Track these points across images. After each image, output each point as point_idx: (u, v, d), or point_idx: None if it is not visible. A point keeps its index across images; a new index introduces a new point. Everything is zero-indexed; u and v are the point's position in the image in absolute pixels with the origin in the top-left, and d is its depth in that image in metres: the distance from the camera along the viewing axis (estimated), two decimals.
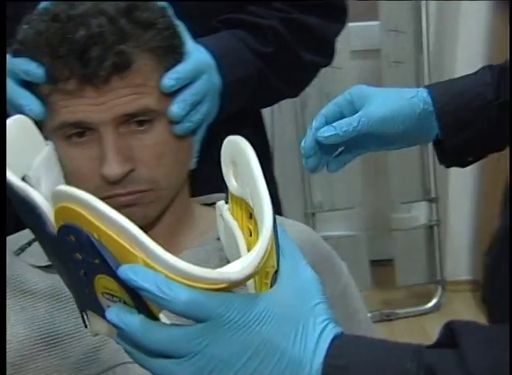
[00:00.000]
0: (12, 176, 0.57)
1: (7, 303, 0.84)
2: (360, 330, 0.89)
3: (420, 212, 2.53)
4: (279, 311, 0.55)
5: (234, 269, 0.53)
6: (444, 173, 2.37)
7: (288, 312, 0.55)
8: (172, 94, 0.84)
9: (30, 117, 0.80)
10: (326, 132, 0.79)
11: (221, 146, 0.75)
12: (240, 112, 1.05)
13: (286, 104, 2.34)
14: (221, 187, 0.73)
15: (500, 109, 0.83)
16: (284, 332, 0.54)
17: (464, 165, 0.89)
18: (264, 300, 0.55)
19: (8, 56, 0.85)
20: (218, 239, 0.82)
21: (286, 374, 0.53)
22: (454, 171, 2.19)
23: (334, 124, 0.80)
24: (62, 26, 0.79)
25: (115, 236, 0.50)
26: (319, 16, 1.08)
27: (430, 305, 2.46)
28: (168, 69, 0.83)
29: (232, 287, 0.53)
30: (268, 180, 0.64)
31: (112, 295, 0.53)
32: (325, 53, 1.12)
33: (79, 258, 0.52)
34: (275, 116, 2.41)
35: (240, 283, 0.53)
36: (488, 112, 0.84)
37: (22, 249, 0.90)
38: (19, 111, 0.83)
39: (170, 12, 0.87)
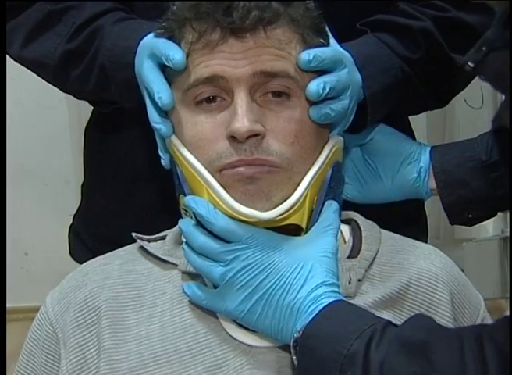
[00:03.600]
0: None
1: (120, 314, 0.82)
2: None
3: (487, 222, 2.42)
4: (291, 249, 0.78)
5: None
6: None
7: (297, 253, 0.77)
8: (311, 74, 0.81)
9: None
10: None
11: None
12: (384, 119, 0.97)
13: None
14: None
15: (493, 169, 0.91)
16: (289, 262, 0.76)
17: (466, 222, 0.97)
18: (283, 239, 0.79)
19: (151, 36, 0.85)
20: (349, 257, 0.86)
21: (279, 292, 0.75)
22: None
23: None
24: None
25: (192, 171, 0.80)
26: (480, 11, 0.95)
27: None
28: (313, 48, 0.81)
29: (261, 223, 0.78)
30: None
31: (185, 210, 0.82)
32: None
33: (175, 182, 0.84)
34: None
35: (266, 222, 0.77)
36: (482, 172, 0.92)
37: (155, 239, 0.90)
38: (149, 94, 0.83)
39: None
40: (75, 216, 1.18)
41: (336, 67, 0.83)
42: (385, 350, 0.67)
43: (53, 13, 0.98)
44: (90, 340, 0.82)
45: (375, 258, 0.86)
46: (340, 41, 0.89)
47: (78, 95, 1.04)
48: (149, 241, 0.90)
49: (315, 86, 0.80)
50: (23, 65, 1.03)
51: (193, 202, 0.79)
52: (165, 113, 0.83)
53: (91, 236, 1.11)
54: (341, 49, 0.85)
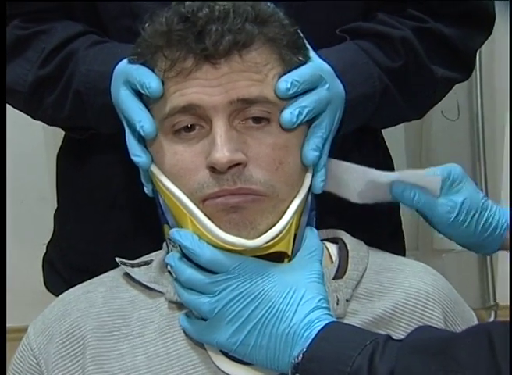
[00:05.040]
0: None
1: (105, 344, 0.81)
2: None
3: None
4: (280, 276, 0.76)
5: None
6: (496, 190, 2.28)
7: (286, 279, 0.76)
8: (289, 100, 0.78)
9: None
10: (398, 187, 0.87)
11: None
12: (357, 130, 0.96)
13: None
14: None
15: None
16: (279, 290, 0.75)
17: None
18: (271, 266, 0.77)
19: (125, 61, 0.82)
20: (335, 279, 0.85)
21: (272, 321, 0.74)
22: (506, 188, 2.11)
23: (411, 189, 0.87)
24: (184, 12, 0.77)
25: (175, 201, 0.78)
26: (459, 25, 0.95)
27: None
28: (290, 69, 0.79)
29: (248, 251, 0.76)
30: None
31: (170, 240, 0.81)
32: (463, 68, 1.00)
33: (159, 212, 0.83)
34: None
35: (253, 249, 0.76)
36: None
37: (138, 265, 0.88)
38: (130, 124, 0.80)
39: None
40: (48, 244, 1.15)
41: (317, 85, 0.80)
42: (393, 358, 0.67)
43: (22, 39, 0.96)
44: (76, 372, 0.80)
45: (362, 277, 0.85)
46: (319, 46, 0.87)
47: (51, 122, 1.01)
48: (132, 266, 0.88)
49: (288, 115, 0.78)
50: None
51: (177, 235, 0.78)
52: (143, 142, 0.81)
53: (66, 265, 1.10)
54: (320, 62, 0.83)
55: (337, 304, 0.81)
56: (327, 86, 0.81)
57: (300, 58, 0.80)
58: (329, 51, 0.90)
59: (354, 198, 0.89)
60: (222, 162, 0.74)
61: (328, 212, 0.89)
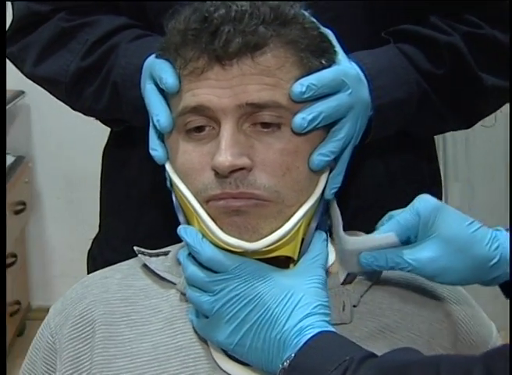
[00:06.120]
0: None
1: (115, 329, 0.82)
2: None
3: None
4: (278, 280, 0.76)
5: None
6: None
7: (284, 284, 0.75)
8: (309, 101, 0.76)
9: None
10: (367, 259, 0.80)
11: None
12: (396, 137, 0.93)
13: None
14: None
15: None
16: (275, 294, 0.75)
17: None
18: (270, 270, 0.77)
19: (153, 56, 0.83)
20: (344, 284, 0.83)
21: (266, 325, 0.74)
22: None
23: (380, 254, 0.79)
24: (202, 11, 0.76)
25: (185, 201, 0.79)
26: None
27: None
28: (309, 73, 0.77)
29: (249, 254, 0.76)
30: None
31: None
32: None
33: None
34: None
35: (253, 252, 0.76)
36: None
37: (157, 255, 0.89)
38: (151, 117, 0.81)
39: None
40: (94, 240, 1.16)
41: (339, 89, 0.78)
42: None
43: (67, 30, 0.97)
44: (85, 353, 0.81)
45: (372, 284, 0.84)
46: (360, 47, 0.86)
47: (89, 113, 1.02)
48: (150, 255, 0.89)
49: (300, 120, 0.75)
50: (35, 82, 1.03)
51: (183, 231, 0.79)
52: (163, 137, 0.82)
53: (103, 261, 1.10)
54: (345, 67, 0.80)
55: (343, 309, 0.81)
56: (349, 91, 0.78)
57: (323, 62, 0.78)
58: (366, 54, 0.88)
59: (345, 268, 0.84)
60: (223, 166, 0.73)
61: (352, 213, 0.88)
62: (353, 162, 0.93)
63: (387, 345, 0.78)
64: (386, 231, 0.79)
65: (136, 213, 1.06)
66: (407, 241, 0.80)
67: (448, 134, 2.36)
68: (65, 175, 2.73)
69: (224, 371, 0.78)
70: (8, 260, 2.48)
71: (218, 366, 0.78)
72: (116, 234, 1.09)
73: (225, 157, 0.73)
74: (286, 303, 0.74)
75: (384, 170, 1.01)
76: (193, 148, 0.77)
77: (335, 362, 0.68)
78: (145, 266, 0.87)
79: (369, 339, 0.79)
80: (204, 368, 0.78)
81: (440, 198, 1.10)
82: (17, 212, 2.51)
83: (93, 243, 1.15)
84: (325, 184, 0.81)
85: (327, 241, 0.83)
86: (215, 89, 0.74)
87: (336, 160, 0.81)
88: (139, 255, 0.88)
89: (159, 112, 0.79)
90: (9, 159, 2.62)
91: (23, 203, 2.56)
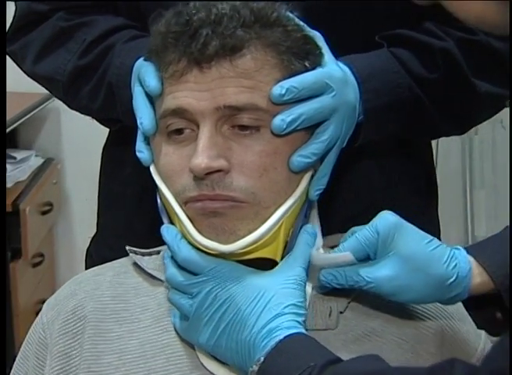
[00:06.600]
0: None
1: (105, 326, 0.83)
2: None
3: None
4: (252, 281, 0.76)
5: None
6: None
7: (257, 285, 0.75)
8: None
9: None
10: (326, 277, 0.79)
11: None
12: (389, 140, 0.93)
13: None
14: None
15: None
16: (247, 295, 0.75)
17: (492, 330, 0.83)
18: (247, 272, 0.77)
19: (141, 59, 0.84)
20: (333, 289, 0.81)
21: (237, 327, 0.74)
22: None
23: (339, 272, 0.78)
24: (183, 13, 0.77)
25: (169, 201, 0.79)
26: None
27: None
28: (291, 75, 0.77)
29: (228, 256, 0.76)
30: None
31: None
32: None
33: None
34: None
35: (228, 254, 0.76)
36: None
37: (142, 254, 0.90)
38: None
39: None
40: (92, 238, 1.18)
41: (322, 92, 0.78)
42: None
43: (65, 30, 1.00)
44: (75, 349, 0.83)
45: (361, 290, 0.83)
46: (354, 51, 0.86)
47: (85, 112, 1.04)
48: (143, 254, 0.90)
49: (279, 121, 0.75)
50: (35, 80, 1.05)
51: (165, 230, 0.80)
52: (148, 139, 0.83)
53: (100, 259, 1.12)
54: (330, 69, 0.80)
55: (329, 315, 0.80)
56: (333, 93, 0.78)
57: (306, 65, 0.78)
58: (358, 57, 0.89)
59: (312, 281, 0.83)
60: (199, 168, 0.74)
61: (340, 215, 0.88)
62: (348, 166, 0.94)
63: (372, 349, 0.78)
64: (346, 248, 0.79)
65: (131, 211, 1.07)
66: (367, 258, 0.79)
67: (475, 141, 2.33)
68: (94, 177, 2.76)
69: (207, 369, 0.79)
70: (36, 260, 2.53)
71: (202, 364, 0.79)
72: (112, 232, 1.10)
73: (201, 159, 0.73)
74: (257, 304, 0.74)
75: (379, 173, 1.02)
76: (174, 150, 0.78)
77: (299, 368, 0.68)
78: (136, 264, 0.89)
79: (354, 343, 0.80)
80: (188, 366, 0.79)
81: (435, 201, 1.10)
82: (44, 213, 2.55)
83: (91, 241, 1.17)
84: (309, 186, 0.81)
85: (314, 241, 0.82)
86: (193, 92, 0.75)
87: (321, 162, 0.81)
88: (130, 254, 0.90)
89: (142, 115, 0.81)
90: (38, 161, 2.68)
91: (51, 204, 2.60)
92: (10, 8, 1.06)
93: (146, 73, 0.80)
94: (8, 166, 2.48)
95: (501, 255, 0.77)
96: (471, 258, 0.78)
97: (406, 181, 1.05)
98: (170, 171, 0.78)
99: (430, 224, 1.10)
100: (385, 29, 0.94)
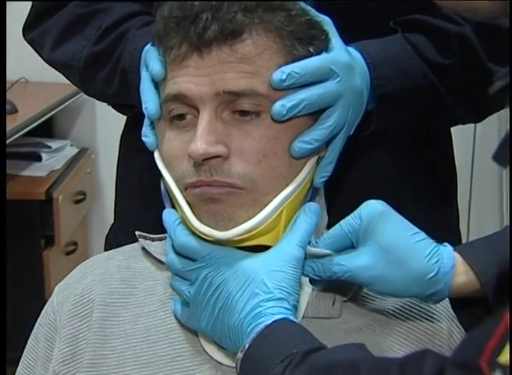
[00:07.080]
0: None
1: (112, 310, 0.84)
2: None
3: None
4: (245, 265, 0.75)
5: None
6: None
7: (249, 269, 0.74)
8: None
9: None
10: (307, 270, 0.77)
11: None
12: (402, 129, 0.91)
13: None
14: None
15: None
16: (238, 280, 0.74)
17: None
18: (243, 256, 0.76)
19: (149, 44, 0.83)
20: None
21: (228, 312, 0.73)
22: None
23: (318, 263, 0.77)
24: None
25: (170, 187, 0.79)
26: None
27: None
28: (294, 61, 0.76)
29: (226, 243, 0.76)
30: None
31: None
32: None
33: None
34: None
35: (225, 241, 0.75)
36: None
37: (151, 239, 0.90)
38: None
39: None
40: (111, 225, 1.19)
41: (327, 78, 0.77)
42: (299, 373, 0.65)
43: (82, 16, 1.01)
44: (84, 331, 0.84)
45: None
46: (368, 37, 0.84)
47: (101, 98, 1.06)
48: (153, 240, 0.90)
49: (279, 107, 0.74)
50: (53, 67, 1.07)
51: (166, 215, 0.81)
52: (153, 125, 0.83)
53: (118, 246, 1.13)
54: (337, 55, 0.79)
55: (333, 304, 0.79)
56: (338, 79, 0.77)
57: (311, 50, 0.77)
58: (371, 42, 0.87)
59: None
60: (197, 154, 0.73)
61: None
62: (360, 154, 0.93)
63: (374, 340, 0.77)
64: (331, 235, 0.78)
65: (147, 199, 1.08)
66: (351, 246, 0.78)
67: None
68: None
69: (208, 355, 0.79)
70: (69, 248, 2.57)
71: (203, 348, 0.80)
72: (129, 220, 1.11)
73: (199, 145, 0.73)
74: (246, 289, 0.74)
75: (392, 162, 1.00)
76: (176, 135, 0.78)
77: (282, 354, 0.67)
78: (145, 249, 0.89)
79: (357, 332, 0.79)
80: (189, 351, 0.80)
81: (453, 189, 1.08)
82: (77, 202, 2.59)
83: (110, 229, 1.18)
84: (312, 172, 0.80)
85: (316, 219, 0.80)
86: (193, 77, 0.75)
87: (327, 148, 0.80)
88: (139, 239, 0.90)
89: (148, 100, 0.80)
90: (73, 151, 2.72)
91: (84, 193, 2.64)
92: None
93: (151, 58, 0.80)
94: (43, 155, 2.53)
95: (489, 254, 0.74)
96: (457, 256, 0.75)
97: (421, 169, 1.03)
98: (171, 157, 0.78)
99: (448, 213, 1.10)
100: (398, 15, 0.92)
